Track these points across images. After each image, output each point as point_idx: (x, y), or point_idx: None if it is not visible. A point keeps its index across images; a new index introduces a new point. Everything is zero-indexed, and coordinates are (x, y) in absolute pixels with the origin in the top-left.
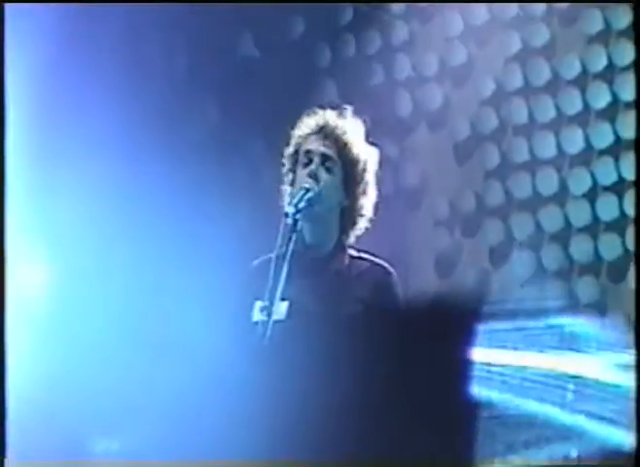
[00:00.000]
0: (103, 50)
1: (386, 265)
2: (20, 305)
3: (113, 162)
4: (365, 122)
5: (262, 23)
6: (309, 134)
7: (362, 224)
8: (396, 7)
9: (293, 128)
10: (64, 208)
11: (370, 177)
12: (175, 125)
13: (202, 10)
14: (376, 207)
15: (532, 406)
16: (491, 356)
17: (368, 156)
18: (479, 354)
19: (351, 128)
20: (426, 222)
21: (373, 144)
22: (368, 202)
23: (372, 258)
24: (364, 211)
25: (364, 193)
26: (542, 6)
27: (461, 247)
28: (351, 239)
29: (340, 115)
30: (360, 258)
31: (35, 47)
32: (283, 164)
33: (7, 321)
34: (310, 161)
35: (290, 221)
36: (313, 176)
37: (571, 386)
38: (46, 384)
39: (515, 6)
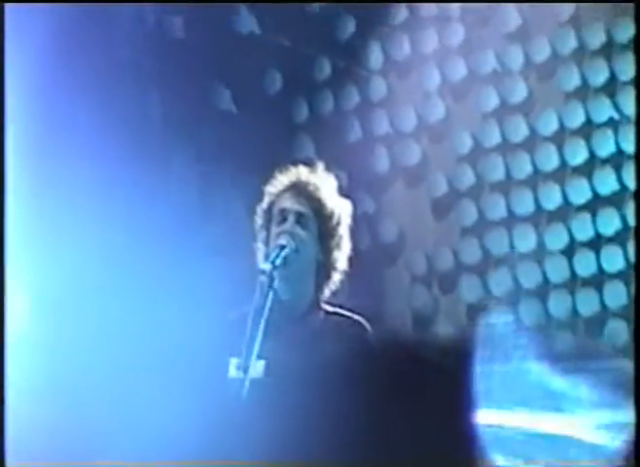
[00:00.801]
0: (104, 49)
1: (362, 320)
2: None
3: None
4: (337, 176)
5: (239, 77)
6: (282, 191)
7: (336, 277)
8: (374, 62)
9: (266, 185)
10: (65, 210)
11: (343, 231)
12: (150, 179)
13: (179, 62)
14: (351, 261)
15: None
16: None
17: (341, 209)
18: (455, 410)
19: (323, 184)
20: (403, 277)
21: (345, 196)
22: (342, 256)
23: (347, 313)
24: (338, 265)
25: (338, 246)
26: (520, 61)
27: (438, 303)
28: (326, 294)
29: (312, 171)
30: (336, 313)
31: (35, 47)
32: (255, 221)
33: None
34: (285, 219)
35: (266, 278)
36: (289, 234)
37: (556, 446)
38: (44, 389)
39: (493, 61)
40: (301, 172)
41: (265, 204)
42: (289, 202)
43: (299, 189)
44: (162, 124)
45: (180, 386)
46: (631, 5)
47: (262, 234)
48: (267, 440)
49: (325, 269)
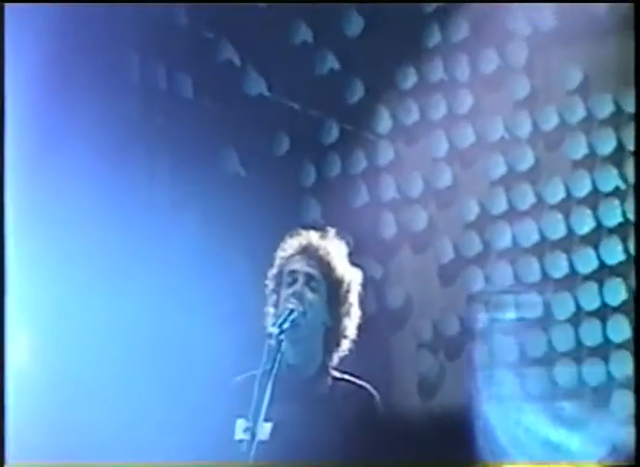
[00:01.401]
0: (104, 49)
1: (369, 387)
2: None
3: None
4: (348, 243)
5: (247, 139)
6: (293, 255)
7: (345, 345)
8: (382, 127)
9: (276, 250)
10: (65, 213)
11: (353, 298)
12: (158, 241)
13: (187, 121)
14: (360, 329)
15: None
16: None
17: (351, 277)
18: None
19: (334, 249)
20: (409, 343)
21: (356, 265)
22: (351, 324)
23: (355, 380)
24: (347, 332)
25: (347, 314)
26: (527, 129)
27: (445, 369)
28: (334, 361)
29: (323, 236)
30: (343, 379)
31: (35, 47)
32: (266, 285)
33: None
34: (295, 281)
35: (274, 342)
36: (298, 296)
37: None
38: (46, 388)
39: (501, 128)
40: (312, 236)
41: (275, 269)
42: (299, 265)
43: (309, 252)
44: (170, 183)
45: (187, 447)
46: (632, 5)
47: (272, 298)
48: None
49: (333, 334)
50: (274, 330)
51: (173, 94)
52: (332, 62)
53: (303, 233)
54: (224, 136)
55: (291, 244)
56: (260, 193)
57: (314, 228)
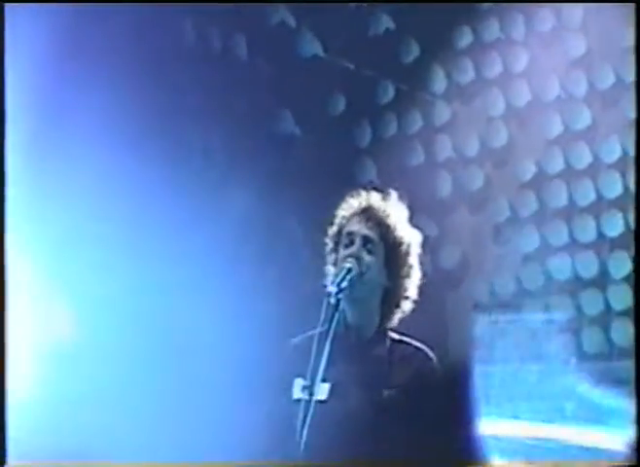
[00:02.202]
0: (104, 49)
1: (426, 349)
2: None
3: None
4: (409, 206)
5: (303, 100)
6: (352, 215)
7: (406, 306)
8: (438, 87)
9: (331, 210)
10: (68, 215)
11: (413, 260)
12: (214, 203)
13: (242, 84)
14: (420, 290)
15: None
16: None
17: (411, 239)
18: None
19: (395, 212)
20: (465, 304)
21: (416, 227)
22: (411, 285)
23: (412, 342)
24: (408, 293)
25: (407, 275)
26: (583, 88)
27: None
28: (394, 322)
29: (385, 198)
30: (401, 341)
31: (35, 47)
32: (326, 244)
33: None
34: (352, 243)
35: (332, 301)
36: (355, 257)
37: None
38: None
39: (556, 87)
40: (372, 198)
41: (335, 228)
42: (357, 226)
43: (369, 214)
44: (224, 146)
45: (245, 406)
46: (632, 5)
47: (331, 257)
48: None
49: (393, 296)
50: (333, 289)
51: (228, 57)
52: (387, 22)
53: (364, 194)
54: (279, 98)
55: (351, 204)
56: (315, 153)
57: (376, 189)
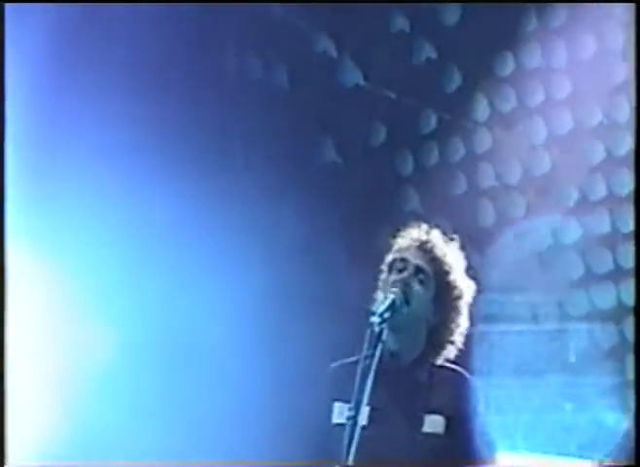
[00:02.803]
0: (104, 49)
1: (466, 374)
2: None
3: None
4: (467, 256)
5: (344, 130)
6: (409, 246)
7: (450, 351)
8: (480, 114)
9: (380, 237)
10: (69, 217)
11: (463, 308)
12: (259, 233)
13: (285, 114)
14: (467, 338)
15: None
16: None
17: (464, 287)
18: None
19: (452, 255)
20: (509, 330)
21: (472, 278)
22: (458, 330)
23: (454, 367)
24: (453, 338)
25: (455, 320)
26: (626, 114)
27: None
28: (439, 361)
29: (447, 241)
30: (442, 367)
31: (35, 47)
32: (381, 271)
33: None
34: (404, 269)
35: (376, 329)
36: (403, 283)
37: None
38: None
39: (599, 114)
40: (433, 234)
41: (391, 256)
42: (412, 255)
43: (426, 247)
44: (267, 173)
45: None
46: (632, 5)
47: (382, 284)
48: None
49: (437, 334)
50: (376, 319)
51: (270, 86)
52: (429, 51)
53: (426, 228)
54: (321, 127)
55: (411, 235)
56: (357, 182)
57: (438, 227)
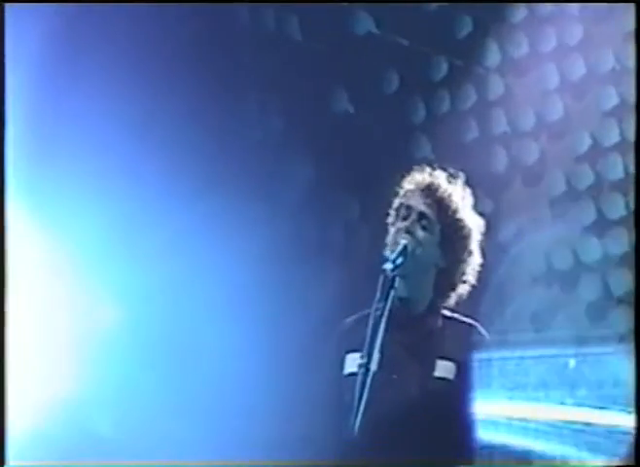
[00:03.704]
0: (104, 49)
1: (479, 326)
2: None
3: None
4: (474, 192)
5: (356, 78)
6: (415, 190)
7: (462, 289)
8: (492, 61)
9: (392, 185)
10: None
11: (473, 246)
12: (270, 183)
13: (296, 63)
14: (480, 274)
15: None
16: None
17: (472, 225)
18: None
19: (457, 194)
20: (522, 278)
21: (481, 214)
22: (470, 269)
23: (464, 319)
24: (465, 277)
25: (465, 260)
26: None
27: (557, 303)
28: (450, 302)
29: (450, 179)
30: (453, 318)
31: (35, 47)
32: (388, 214)
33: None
34: (408, 217)
35: (388, 277)
36: (407, 232)
37: None
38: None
39: (611, 60)
40: (437, 176)
41: (398, 199)
42: (415, 201)
43: (430, 191)
44: (279, 123)
45: (296, 381)
46: (632, 5)
47: (390, 229)
48: (379, 434)
49: (447, 277)
50: (388, 265)
51: (281, 36)
52: None
53: (430, 170)
54: (333, 76)
55: (416, 179)
56: (370, 130)
57: (444, 169)
